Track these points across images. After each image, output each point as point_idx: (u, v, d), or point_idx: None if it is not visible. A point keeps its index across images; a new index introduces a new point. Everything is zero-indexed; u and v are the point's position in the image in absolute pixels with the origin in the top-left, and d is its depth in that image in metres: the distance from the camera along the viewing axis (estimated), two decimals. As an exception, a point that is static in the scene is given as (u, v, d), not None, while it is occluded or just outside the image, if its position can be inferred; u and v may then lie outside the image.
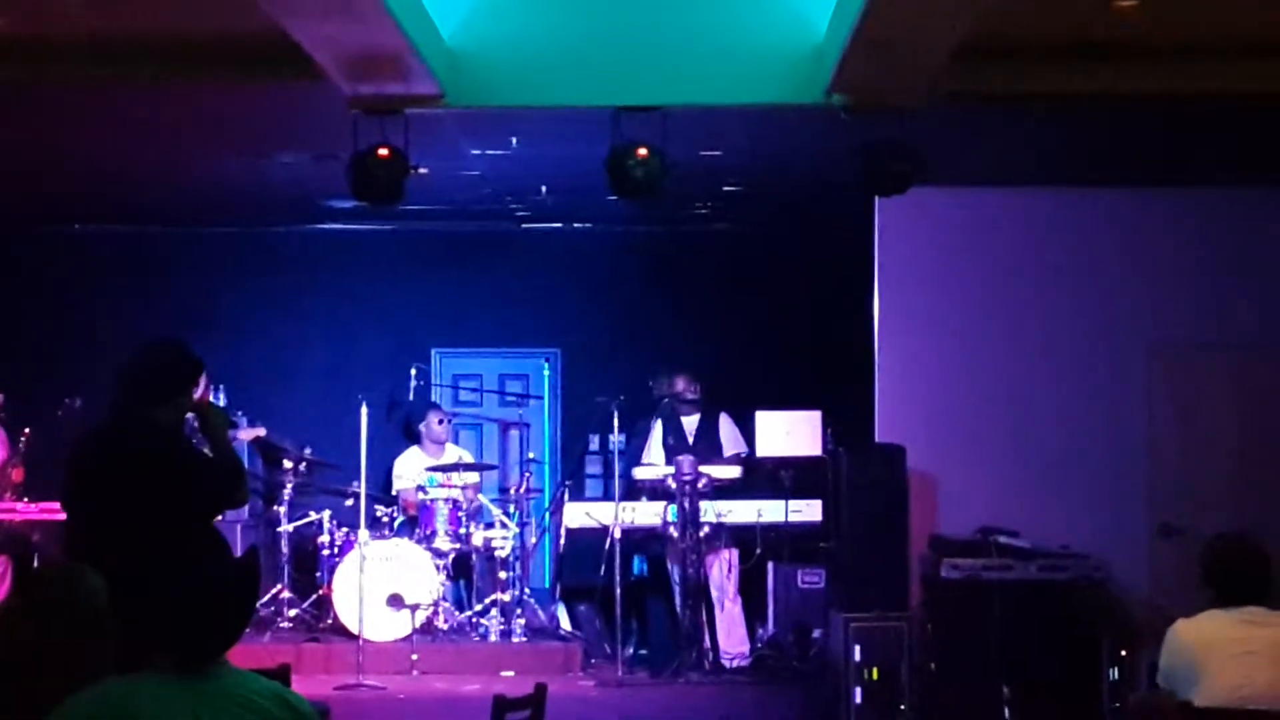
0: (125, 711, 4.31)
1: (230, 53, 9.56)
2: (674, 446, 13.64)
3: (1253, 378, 13.09)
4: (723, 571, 13.27)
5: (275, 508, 14.03)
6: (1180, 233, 13.13)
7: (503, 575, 13.49)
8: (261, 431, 13.94)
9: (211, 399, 8.04)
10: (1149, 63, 9.64)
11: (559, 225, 15.94)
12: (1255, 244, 13.10)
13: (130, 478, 7.33)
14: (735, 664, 12.99)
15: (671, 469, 12.93)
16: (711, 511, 12.90)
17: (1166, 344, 13.04)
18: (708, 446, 13.56)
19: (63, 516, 12.63)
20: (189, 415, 7.68)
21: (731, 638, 13.22)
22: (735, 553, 13.32)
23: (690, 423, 13.80)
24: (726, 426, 13.82)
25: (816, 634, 12.88)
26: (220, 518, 7.95)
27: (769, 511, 13.02)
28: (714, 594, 13.24)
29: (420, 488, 13.95)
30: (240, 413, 14.30)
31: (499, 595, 13.46)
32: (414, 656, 12.74)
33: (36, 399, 13.66)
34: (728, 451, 13.64)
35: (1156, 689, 6.96)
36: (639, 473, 13.45)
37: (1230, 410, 13.09)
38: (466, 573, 13.96)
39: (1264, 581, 6.81)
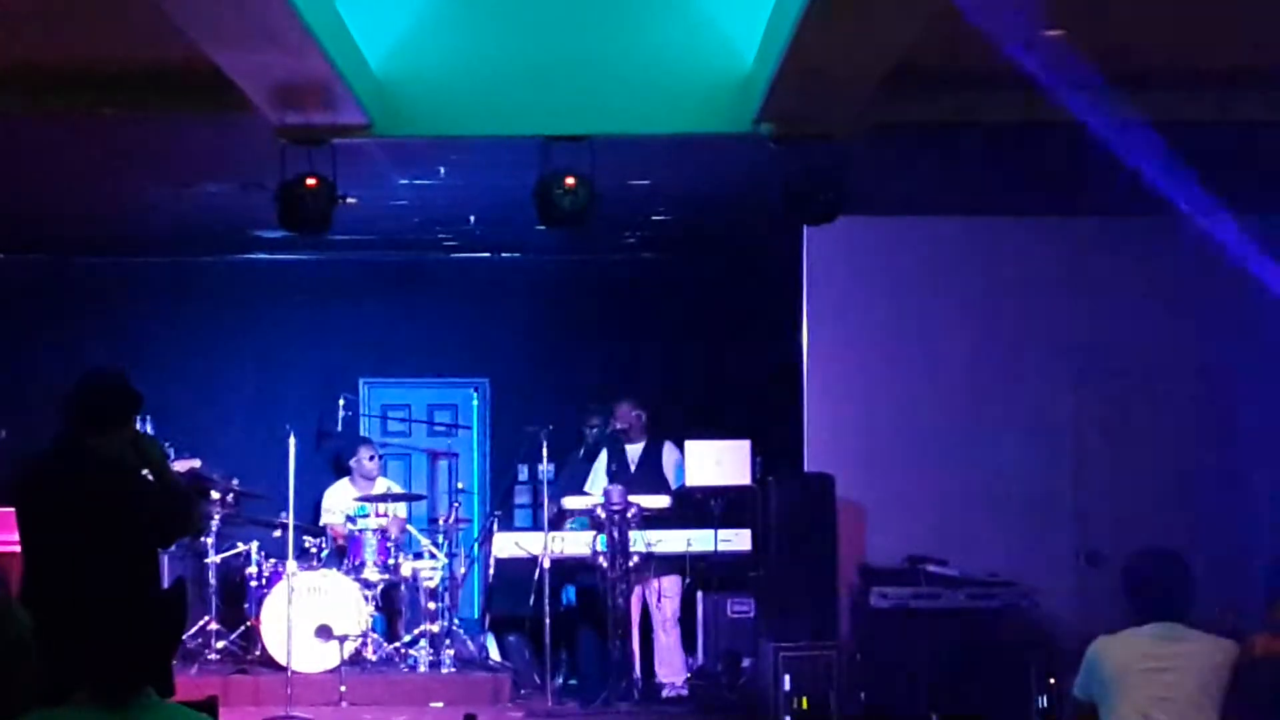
0: (49, 745, 4.27)
1: (156, 82, 9.52)
2: (616, 474, 13.54)
3: (1180, 405, 13.16)
4: (652, 600, 13.21)
5: (203, 539, 13.91)
6: (1108, 260, 13.19)
7: (432, 606, 13.44)
8: (197, 463, 13.82)
9: (139, 429, 7.94)
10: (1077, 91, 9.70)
11: (487, 255, 15.92)
12: (1181, 271, 13.16)
13: (76, 510, 7.24)
14: (669, 693, 12.95)
15: (601, 498, 12.88)
16: (641, 541, 12.82)
17: (1094, 371, 13.09)
18: (650, 475, 13.43)
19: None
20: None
21: (669, 667, 13.15)
22: (676, 580, 13.23)
23: (634, 451, 13.72)
24: (670, 456, 13.68)
25: (746, 663, 12.87)
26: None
27: (698, 541, 12.95)
28: (653, 622, 13.20)
29: (349, 519, 13.89)
30: (168, 444, 14.15)
31: (428, 626, 13.40)
32: (343, 688, 12.62)
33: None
34: (672, 481, 13.49)
35: (1076, 701, 6.97)
36: (568, 502, 13.40)
37: (1158, 437, 13.15)
38: (395, 603, 13.89)
39: (1184, 596, 6.84)
